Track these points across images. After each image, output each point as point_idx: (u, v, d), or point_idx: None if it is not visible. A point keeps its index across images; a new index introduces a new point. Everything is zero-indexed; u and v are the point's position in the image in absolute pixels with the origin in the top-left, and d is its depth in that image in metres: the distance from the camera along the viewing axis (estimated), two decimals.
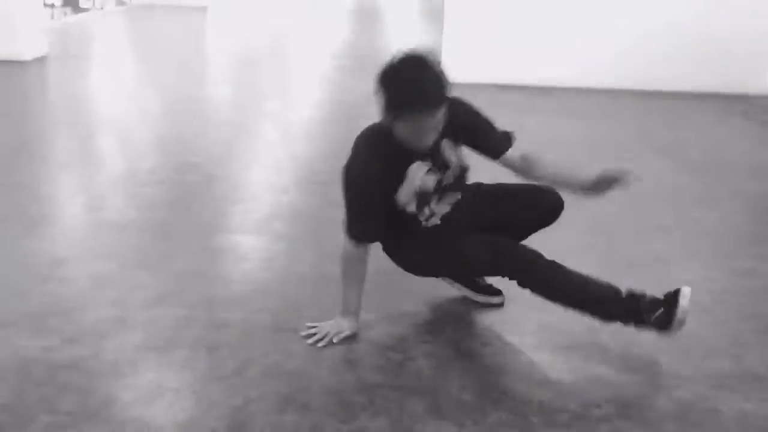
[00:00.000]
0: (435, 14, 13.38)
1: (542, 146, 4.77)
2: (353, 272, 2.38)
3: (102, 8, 12.14)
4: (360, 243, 2.33)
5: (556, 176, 2.40)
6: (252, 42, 9.72)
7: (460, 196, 2.45)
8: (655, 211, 3.76)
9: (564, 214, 2.67)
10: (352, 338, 2.38)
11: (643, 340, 2.46)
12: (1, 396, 2.04)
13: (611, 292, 2.25)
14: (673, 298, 2.17)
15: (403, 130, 2.14)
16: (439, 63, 2.14)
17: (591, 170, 2.43)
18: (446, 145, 2.35)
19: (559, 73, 6.95)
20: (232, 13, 13.29)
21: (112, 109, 5.47)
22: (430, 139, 2.17)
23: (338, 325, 2.40)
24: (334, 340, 2.36)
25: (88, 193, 3.74)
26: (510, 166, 2.43)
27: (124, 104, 5.63)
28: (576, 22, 6.89)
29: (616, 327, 2.44)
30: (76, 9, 11.22)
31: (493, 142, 2.40)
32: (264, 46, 9.27)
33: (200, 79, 7.04)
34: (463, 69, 6.90)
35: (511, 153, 2.41)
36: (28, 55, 6.95)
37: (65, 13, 10.75)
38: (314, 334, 2.38)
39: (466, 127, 2.37)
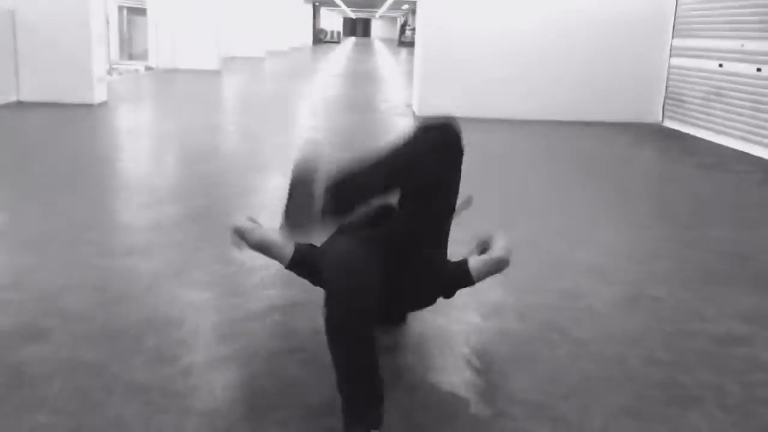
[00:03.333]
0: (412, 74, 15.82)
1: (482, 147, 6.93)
2: None
3: (136, 71, 14.55)
4: None
5: None
6: (259, 94, 12.04)
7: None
8: (549, 193, 5.91)
9: None
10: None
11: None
12: None
13: (364, 399, 1.95)
14: None
15: None
16: None
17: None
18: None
19: (498, 109, 9.18)
20: (239, 76, 15.70)
21: (172, 131, 7.64)
22: None
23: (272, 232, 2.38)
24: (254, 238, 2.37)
25: (178, 172, 5.87)
26: None
27: (178, 129, 7.81)
28: (509, 72, 9.17)
29: None
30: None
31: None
32: (268, 98, 11.58)
33: (222, 114, 9.28)
34: (428, 106, 9.17)
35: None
36: (97, 99, 9.17)
37: None
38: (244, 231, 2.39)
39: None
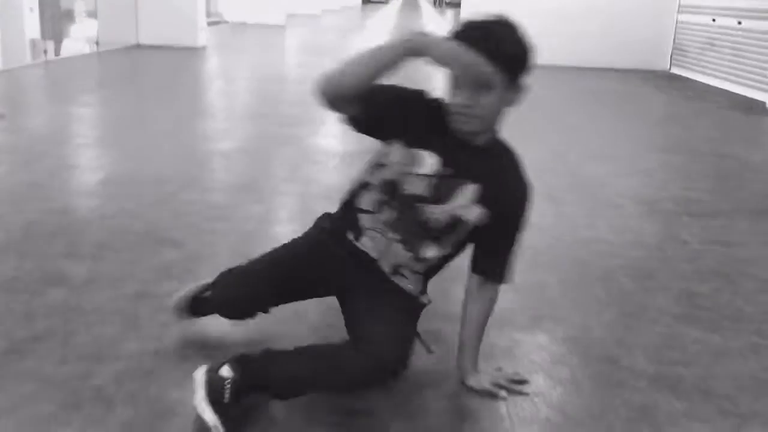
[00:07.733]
0: None
1: None
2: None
3: (217, 23, 16.75)
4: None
5: (464, 341, 2.07)
6: (324, 43, 14.02)
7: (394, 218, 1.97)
8: (568, 111, 7.82)
9: None
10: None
11: None
12: None
13: None
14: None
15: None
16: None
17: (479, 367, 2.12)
18: (468, 187, 1.91)
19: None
20: (303, 30, 17.68)
21: (266, 65, 9.69)
22: (459, 99, 1.85)
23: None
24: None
25: (268, 99, 7.91)
26: (469, 288, 2.05)
27: (270, 65, 9.85)
28: (544, 22, 10.96)
29: None
30: None
31: (488, 255, 2.00)
32: (333, 46, 13.57)
33: (298, 56, 11.28)
34: None
35: (483, 285, 2.02)
36: (199, 43, 11.24)
37: None
38: None
39: (498, 211, 1.93)
